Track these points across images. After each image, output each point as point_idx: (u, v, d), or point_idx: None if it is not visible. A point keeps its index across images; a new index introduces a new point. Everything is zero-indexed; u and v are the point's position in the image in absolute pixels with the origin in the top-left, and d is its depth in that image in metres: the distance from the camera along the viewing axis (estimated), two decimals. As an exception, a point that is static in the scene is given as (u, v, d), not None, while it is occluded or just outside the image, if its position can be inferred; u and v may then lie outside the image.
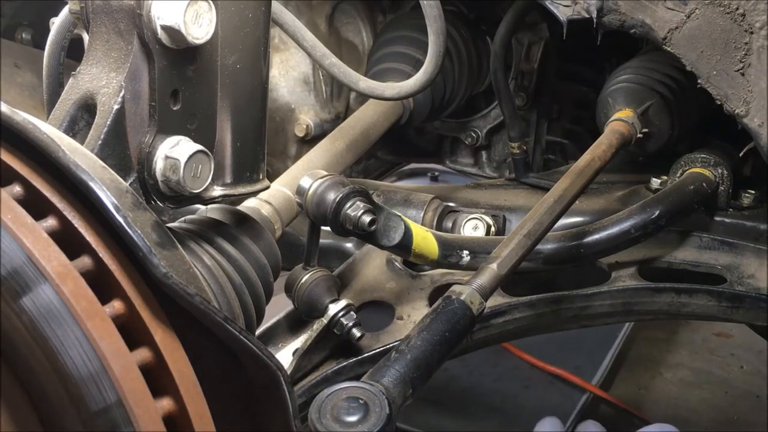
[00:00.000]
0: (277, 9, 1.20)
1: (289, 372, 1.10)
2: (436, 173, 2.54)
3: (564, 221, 1.26)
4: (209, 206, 0.98)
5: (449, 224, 1.39)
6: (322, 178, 1.05)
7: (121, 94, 0.81)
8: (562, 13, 1.19)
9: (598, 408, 2.48)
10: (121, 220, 0.63)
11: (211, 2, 0.81)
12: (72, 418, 0.60)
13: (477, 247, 1.17)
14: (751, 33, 1.08)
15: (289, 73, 1.68)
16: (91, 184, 0.63)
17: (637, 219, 1.19)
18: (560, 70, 1.78)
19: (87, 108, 0.83)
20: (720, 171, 1.28)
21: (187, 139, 0.84)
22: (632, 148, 1.33)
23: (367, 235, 1.06)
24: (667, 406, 2.50)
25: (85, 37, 0.87)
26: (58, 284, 0.60)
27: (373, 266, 1.31)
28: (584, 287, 1.23)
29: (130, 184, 0.80)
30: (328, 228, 1.06)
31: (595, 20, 1.17)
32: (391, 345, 1.15)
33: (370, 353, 1.15)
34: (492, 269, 0.97)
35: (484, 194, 1.49)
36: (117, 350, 0.60)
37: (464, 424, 2.18)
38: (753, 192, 1.31)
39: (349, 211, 1.03)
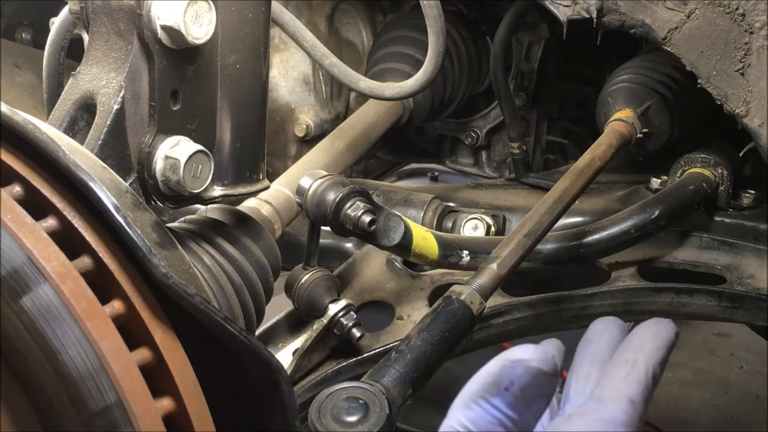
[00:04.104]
0: (277, 9, 1.20)
1: (289, 372, 1.10)
2: (436, 173, 2.54)
3: (564, 221, 1.26)
4: (209, 206, 0.98)
5: (449, 224, 1.39)
6: (321, 178, 1.05)
7: (121, 94, 0.81)
8: (562, 13, 1.19)
9: (598, 408, 2.48)
10: (121, 220, 0.63)
11: (211, 2, 0.81)
12: (72, 418, 0.60)
13: (477, 247, 1.17)
14: (751, 33, 1.08)
15: (289, 73, 1.68)
16: (91, 184, 0.63)
17: (637, 219, 1.19)
18: (560, 70, 1.78)
19: (87, 108, 0.83)
20: (720, 171, 1.28)
21: (187, 139, 0.84)
22: (632, 148, 1.33)
23: (367, 235, 1.06)
24: (667, 406, 2.50)
25: (85, 37, 0.87)
26: (58, 284, 0.60)
27: (373, 266, 1.32)
28: (584, 287, 1.23)
29: (130, 184, 0.80)
30: (328, 228, 1.06)
31: (595, 20, 1.17)
32: (391, 345, 1.15)
33: (370, 353, 1.15)
34: (492, 269, 0.97)
35: (484, 194, 1.49)
36: (117, 350, 0.60)
37: (464, 424, 2.18)
38: (753, 192, 1.31)
39: (349, 211, 1.03)
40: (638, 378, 0.62)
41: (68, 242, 0.63)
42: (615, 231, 1.19)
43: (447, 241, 1.16)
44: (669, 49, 1.13)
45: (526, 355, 0.56)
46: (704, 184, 1.25)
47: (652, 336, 0.66)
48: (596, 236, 1.19)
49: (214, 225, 0.94)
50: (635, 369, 0.62)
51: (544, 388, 0.57)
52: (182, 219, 0.96)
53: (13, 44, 1.72)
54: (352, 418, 0.77)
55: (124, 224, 0.63)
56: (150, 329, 0.63)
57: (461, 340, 0.91)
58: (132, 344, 0.62)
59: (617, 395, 0.60)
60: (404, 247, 1.10)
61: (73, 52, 1.23)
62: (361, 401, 0.78)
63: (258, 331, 1.08)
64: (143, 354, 0.63)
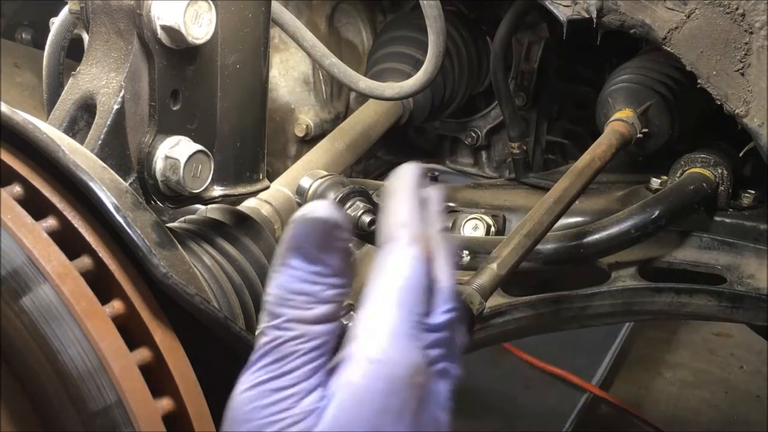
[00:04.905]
0: (277, 9, 1.20)
1: (289, 372, 1.10)
2: (436, 173, 2.54)
3: (564, 221, 1.26)
4: (209, 206, 0.98)
5: (449, 224, 1.39)
6: (321, 178, 1.05)
7: (121, 94, 0.81)
8: (562, 13, 1.19)
9: (598, 408, 2.49)
10: (121, 220, 0.63)
11: (211, 2, 0.81)
12: (72, 418, 0.60)
13: (477, 247, 1.18)
14: (751, 33, 1.08)
15: (289, 73, 1.68)
16: (91, 184, 0.63)
17: (637, 219, 1.19)
18: (560, 70, 1.78)
19: (87, 108, 0.83)
20: (720, 171, 1.28)
21: (187, 139, 0.84)
22: (632, 148, 1.33)
23: (367, 235, 1.06)
24: (667, 406, 2.51)
25: (85, 37, 0.87)
26: (58, 284, 0.60)
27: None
28: (584, 287, 1.23)
29: (130, 184, 0.80)
30: (328, 228, 1.06)
31: (595, 20, 1.17)
32: (391, 345, 1.15)
33: (370, 353, 1.15)
34: (492, 269, 0.97)
35: (484, 194, 1.49)
36: (117, 350, 0.60)
37: (464, 424, 2.18)
38: (753, 192, 1.31)
39: (348, 211, 1.03)
40: (400, 209, 0.67)
41: (68, 242, 0.63)
42: (615, 231, 1.19)
43: (447, 241, 1.16)
44: (669, 49, 1.13)
45: (309, 210, 0.62)
46: (704, 184, 1.25)
47: (401, 174, 0.70)
48: (596, 236, 1.19)
49: (214, 225, 0.94)
50: (396, 203, 0.67)
51: (332, 239, 0.62)
52: (182, 219, 0.96)
53: (13, 44, 1.72)
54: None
55: (124, 224, 0.63)
56: (150, 329, 0.63)
57: (461, 340, 0.91)
58: (132, 344, 0.62)
59: (392, 229, 0.66)
60: (404, 247, 1.09)
61: (73, 52, 1.23)
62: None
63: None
64: (143, 354, 0.63)
